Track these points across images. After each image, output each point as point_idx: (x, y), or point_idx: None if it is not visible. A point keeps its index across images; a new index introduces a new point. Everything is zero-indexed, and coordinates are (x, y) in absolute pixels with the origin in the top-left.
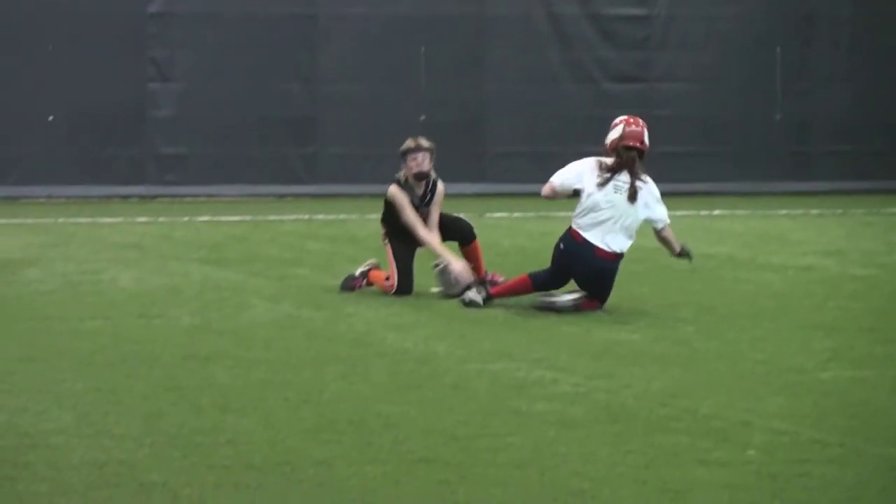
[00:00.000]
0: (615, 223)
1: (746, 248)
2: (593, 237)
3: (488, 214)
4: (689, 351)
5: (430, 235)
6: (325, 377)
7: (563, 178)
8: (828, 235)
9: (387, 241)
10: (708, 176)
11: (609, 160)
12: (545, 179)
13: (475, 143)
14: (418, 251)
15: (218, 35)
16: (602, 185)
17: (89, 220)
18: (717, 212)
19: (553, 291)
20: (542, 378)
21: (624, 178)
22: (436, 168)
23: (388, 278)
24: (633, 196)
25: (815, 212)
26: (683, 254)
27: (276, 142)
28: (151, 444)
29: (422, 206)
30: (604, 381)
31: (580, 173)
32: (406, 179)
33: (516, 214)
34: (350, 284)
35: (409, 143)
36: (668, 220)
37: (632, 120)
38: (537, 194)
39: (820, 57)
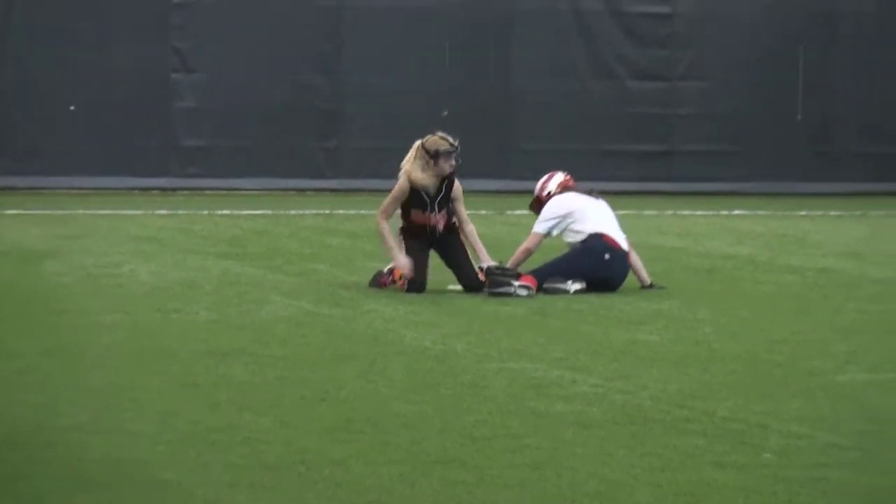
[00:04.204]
0: (613, 221)
1: (766, 248)
2: (621, 241)
3: (509, 212)
4: (707, 352)
5: (387, 230)
6: (342, 375)
7: (552, 222)
8: (847, 237)
9: (402, 236)
10: (729, 175)
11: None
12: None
13: (498, 138)
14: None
15: (242, 26)
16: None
17: (110, 212)
18: (737, 212)
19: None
20: (561, 378)
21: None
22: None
23: (401, 276)
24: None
25: (834, 213)
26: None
27: (298, 135)
28: (167, 441)
29: (434, 203)
30: (622, 382)
31: (567, 206)
32: (421, 178)
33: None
34: (379, 281)
35: (445, 144)
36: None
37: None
38: None
39: (843, 56)
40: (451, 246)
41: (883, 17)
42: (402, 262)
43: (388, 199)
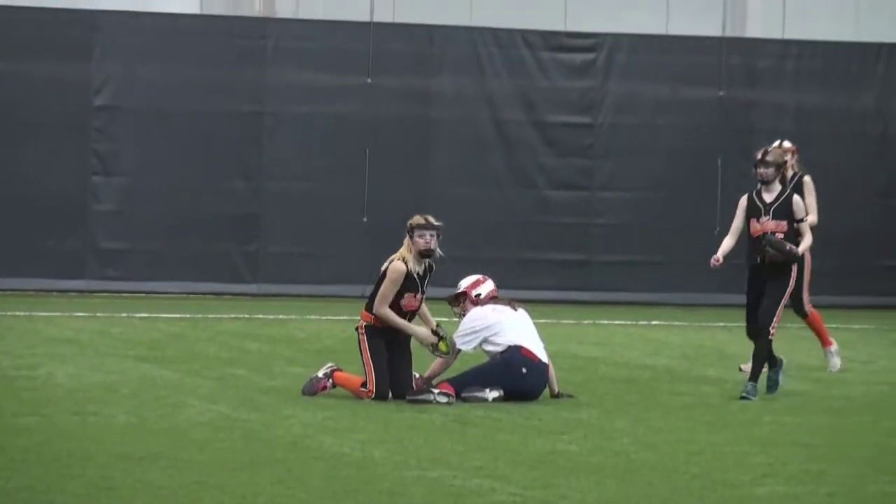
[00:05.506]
0: (532, 332)
1: (684, 359)
2: (539, 352)
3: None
4: (625, 463)
5: (391, 313)
6: (260, 481)
7: (470, 337)
8: None
9: (364, 335)
10: (647, 286)
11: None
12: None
13: None
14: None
15: (162, 130)
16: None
17: (26, 313)
18: (654, 322)
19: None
20: (480, 487)
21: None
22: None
23: (364, 384)
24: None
25: None
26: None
27: (217, 239)
28: None
29: (421, 286)
30: (541, 492)
31: (486, 321)
32: (410, 259)
33: (456, 320)
34: (314, 387)
35: (419, 219)
36: None
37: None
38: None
39: None
40: (402, 353)
41: (800, 133)
42: (422, 333)
43: (385, 286)
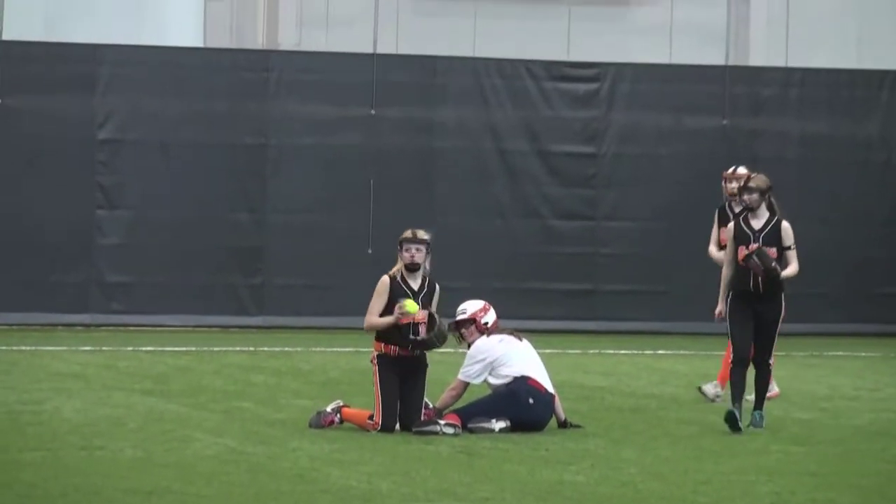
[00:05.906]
0: (537, 363)
1: (690, 388)
2: (546, 383)
3: (434, 350)
4: (632, 493)
5: (375, 319)
6: None
7: (477, 368)
8: None
9: (376, 366)
10: (653, 315)
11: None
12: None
13: None
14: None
15: (166, 163)
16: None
17: (32, 347)
18: (661, 351)
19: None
20: None
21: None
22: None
23: (371, 417)
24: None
25: None
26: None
27: (222, 271)
28: None
29: (418, 298)
30: None
31: (492, 352)
32: (399, 273)
33: (462, 350)
34: (321, 421)
35: (408, 233)
36: None
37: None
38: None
39: None
40: (414, 384)
41: (804, 161)
42: (392, 318)
43: (372, 300)
